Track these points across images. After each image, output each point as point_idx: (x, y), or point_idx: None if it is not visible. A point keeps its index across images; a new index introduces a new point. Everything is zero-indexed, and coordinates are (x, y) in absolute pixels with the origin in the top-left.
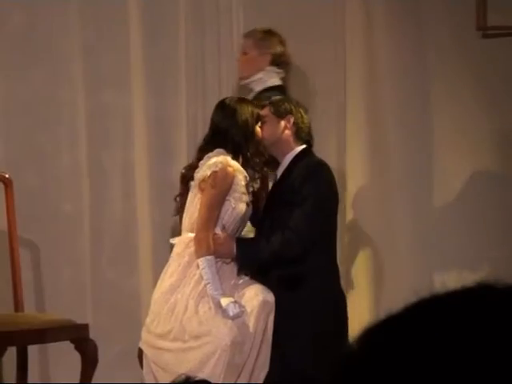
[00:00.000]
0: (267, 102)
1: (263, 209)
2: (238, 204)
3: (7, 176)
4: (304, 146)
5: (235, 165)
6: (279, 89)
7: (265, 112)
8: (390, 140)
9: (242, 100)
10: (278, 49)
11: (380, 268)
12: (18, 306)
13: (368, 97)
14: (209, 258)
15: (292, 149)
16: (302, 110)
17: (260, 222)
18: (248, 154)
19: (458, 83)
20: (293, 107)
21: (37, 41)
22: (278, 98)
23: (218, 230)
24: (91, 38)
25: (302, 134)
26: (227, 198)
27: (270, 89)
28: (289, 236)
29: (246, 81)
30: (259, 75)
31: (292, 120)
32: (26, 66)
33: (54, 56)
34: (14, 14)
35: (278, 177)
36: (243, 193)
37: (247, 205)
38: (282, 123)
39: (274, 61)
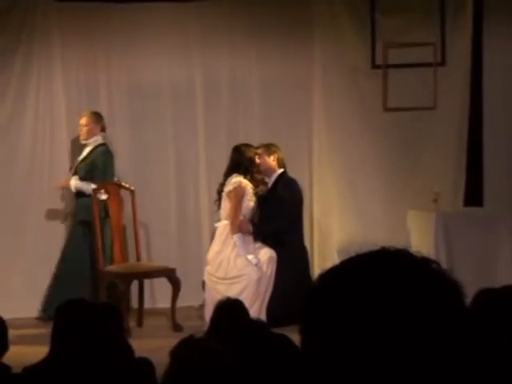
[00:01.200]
0: (262, 145)
1: (260, 204)
2: (249, 203)
3: (132, 188)
4: (282, 170)
5: (245, 181)
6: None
7: (260, 151)
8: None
9: (246, 145)
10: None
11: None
12: (138, 257)
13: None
14: (238, 234)
15: (275, 171)
16: (279, 150)
17: (260, 211)
18: (252, 174)
19: None
20: (275, 149)
21: None
22: (269, 144)
23: (241, 217)
24: None
25: (280, 163)
26: (243, 200)
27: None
28: (278, 222)
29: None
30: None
31: (276, 155)
32: None
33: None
34: None
35: (269, 187)
36: (251, 196)
37: (254, 202)
38: (271, 157)
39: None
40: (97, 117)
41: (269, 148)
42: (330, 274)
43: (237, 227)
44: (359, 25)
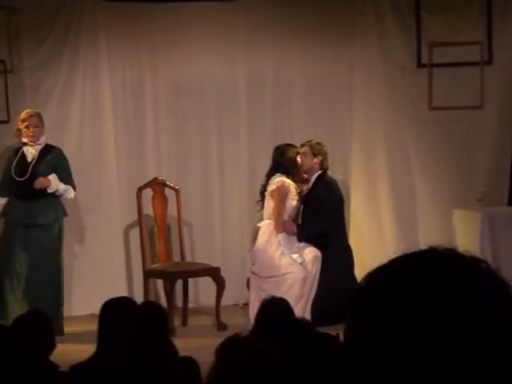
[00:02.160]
0: (307, 143)
1: (303, 203)
2: (292, 202)
3: (177, 187)
4: (322, 171)
5: (288, 181)
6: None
7: (305, 149)
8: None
9: (287, 145)
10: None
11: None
12: (182, 256)
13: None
14: (283, 234)
15: (316, 172)
16: (325, 150)
17: (303, 210)
18: (294, 174)
19: None
20: (322, 150)
21: None
22: (315, 142)
23: (286, 218)
24: None
25: (324, 165)
26: (286, 199)
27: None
28: (321, 226)
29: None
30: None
31: (320, 158)
32: None
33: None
34: None
35: (310, 187)
36: (294, 195)
37: (296, 201)
38: (315, 159)
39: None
40: (41, 116)
41: (315, 148)
42: (380, 272)
43: (281, 226)
44: (404, 24)
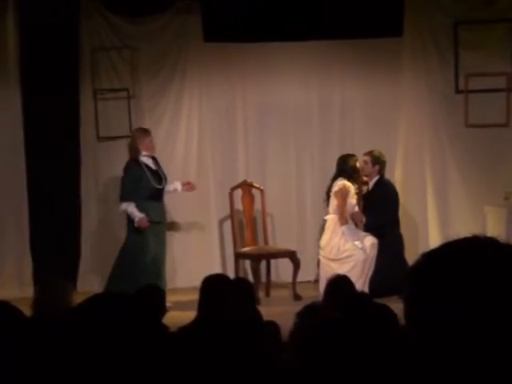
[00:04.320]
0: (370, 153)
1: (364, 201)
2: (351, 200)
3: (262, 188)
4: (379, 175)
5: (348, 183)
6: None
7: (367, 159)
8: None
9: (349, 155)
10: None
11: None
12: (266, 242)
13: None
14: (346, 225)
15: (375, 177)
16: (383, 159)
17: (365, 206)
18: (355, 178)
19: None
20: (380, 160)
21: None
22: (376, 152)
23: (348, 213)
24: None
25: (381, 171)
26: (347, 198)
27: None
28: (383, 218)
29: None
30: None
31: (378, 166)
32: None
33: None
34: None
35: (370, 188)
36: (353, 195)
37: (355, 200)
38: (375, 167)
39: None
40: None
41: (375, 158)
42: (433, 253)
43: (344, 220)
44: (444, 58)
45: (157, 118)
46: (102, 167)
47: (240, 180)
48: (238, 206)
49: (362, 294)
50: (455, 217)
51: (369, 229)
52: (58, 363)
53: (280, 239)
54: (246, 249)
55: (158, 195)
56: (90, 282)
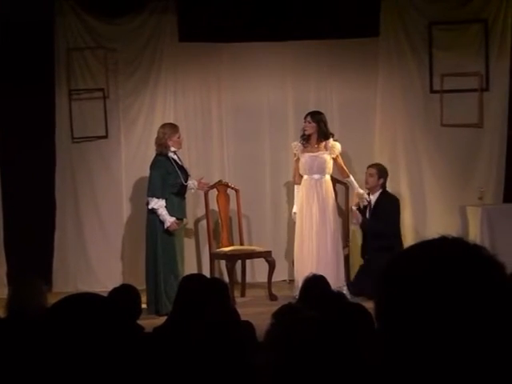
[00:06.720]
0: (376, 166)
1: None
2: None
3: (237, 188)
4: (382, 189)
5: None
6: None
7: (372, 171)
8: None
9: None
10: None
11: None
12: (241, 242)
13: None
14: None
15: (379, 190)
16: (387, 173)
17: (370, 216)
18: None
19: None
20: (386, 171)
21: None
22: (381, 165)
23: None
24: None
25: (384, 184)
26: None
27: None
28: (385, 225)
29: None
30: None
31: (382, 180)
32: None
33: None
34: None
35: (375, 199)
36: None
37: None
38: (380, 180)
39: None
40: None
41: (381, 172)
42: (402, 254)
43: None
44: (419, 58)
45: (132, 118)
46: (77, 167)
47: (215, 180)
48: (214, 206)
49: (338, 293)
50: (430, 216)
51: (369, 229)
52: (32, 363)
53: (255, 239)
54: (221, 249)
55: (183, 192)
56: (64, 282)
